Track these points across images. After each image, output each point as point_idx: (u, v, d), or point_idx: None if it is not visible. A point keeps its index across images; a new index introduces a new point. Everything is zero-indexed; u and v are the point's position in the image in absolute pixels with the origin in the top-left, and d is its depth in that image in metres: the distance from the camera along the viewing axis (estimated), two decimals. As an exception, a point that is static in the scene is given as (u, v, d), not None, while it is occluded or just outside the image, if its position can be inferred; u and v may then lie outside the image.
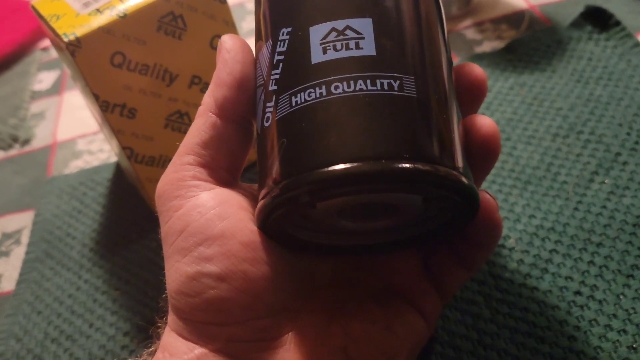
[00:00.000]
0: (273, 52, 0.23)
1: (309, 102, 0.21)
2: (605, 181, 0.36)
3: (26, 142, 0.51)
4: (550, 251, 0.33)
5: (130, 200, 0.43)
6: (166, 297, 0.24)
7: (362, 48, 0.21)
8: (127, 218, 0.42)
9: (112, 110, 0.35)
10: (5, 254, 0.42)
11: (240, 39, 0.25)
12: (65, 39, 0.33)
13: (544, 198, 0.36)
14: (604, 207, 0.35)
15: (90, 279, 0.39)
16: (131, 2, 0.34)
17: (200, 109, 0.25)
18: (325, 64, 0.21)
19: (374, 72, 0.21)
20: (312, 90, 0.21)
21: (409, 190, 0.21)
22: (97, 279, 0.38)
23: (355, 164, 0.20)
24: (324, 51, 0.21)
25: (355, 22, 0.22)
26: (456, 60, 0.47)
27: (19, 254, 0.42)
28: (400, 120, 0.21)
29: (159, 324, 0.26)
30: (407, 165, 0.20)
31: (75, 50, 0.33)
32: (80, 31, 0.33)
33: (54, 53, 0.62)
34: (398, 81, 0.21)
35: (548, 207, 0.35)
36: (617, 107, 0.40)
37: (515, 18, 0.50)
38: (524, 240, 0.34)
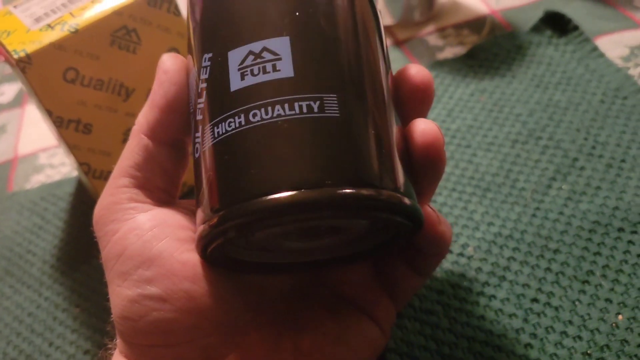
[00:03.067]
0: (198, 79, 0.23)
1: (229, 133, 0.21)
2: (563, 187, 0.36)
3: (-13, 156, 0.51)
4: (508, 259, 0.33)
5: (91, 215, 0.42)
6: (112, 321, 0.24)
7: (279, 70, 0.21)
8: (89, 233, 0.41)
9: (66, 126, 0.35)
10: (-36, 272, 0.42)
11: (181, 59, 0.25)
12: (15, 56, 0.32)
13: (502, 205, 0.36)
14: (561, 213, 0.35)
15: (51, 297, 0.38)
16: (83, 17, 0.34)
17: (134, 129, 0.25)
18: (243, 90, 0.21)
19: (292, 94, 0.20)
20: (231, 119, 0.21)
21: (333, 217, 0.21)
22: (57, 296, 0.38)
23: (275, 196, 0.19)
24: (242, 77, 0.21)
25: (271, 43, 0.21)
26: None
27: (-22, 272, 0.41)
28: (321, 144, 0.20)
29: (109, 346, 0.26)
30: (329, 193, 0.19)
31: (26, 67, 0.33)
32: (30, 47, 0.33)
33: (16, 64, 0.61)
34: (318, 102, 0.20)
35: (506, 214, 0.36)
36: (575, 112, 0.40)
37: (477, 23, 0.50)
38: (482, 248, 0.34)
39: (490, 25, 0.49)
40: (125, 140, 0.37)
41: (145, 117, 0.25)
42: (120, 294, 0.23)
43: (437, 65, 0.47)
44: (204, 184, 0.22)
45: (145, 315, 0.23)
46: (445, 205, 0.37)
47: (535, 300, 0.32)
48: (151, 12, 0.35)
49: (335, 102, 0.21)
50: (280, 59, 0.21)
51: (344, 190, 0.20)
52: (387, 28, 0.52)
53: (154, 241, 0.23)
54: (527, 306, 0.31)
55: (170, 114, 0.25)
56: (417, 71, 0.24)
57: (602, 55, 0.44)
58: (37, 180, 0.47)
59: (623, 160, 0.37)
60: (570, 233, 0.34)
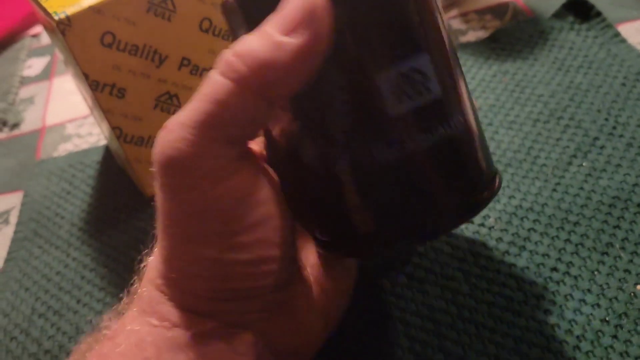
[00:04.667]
0: (333, 97, 0.23)
1: (395, 156, 0.23)
2: (583, 164, 0.37)
3: (15, 126, 0.52)
4: (529, 230, 0.34)
5: (119, 182, 0.44)
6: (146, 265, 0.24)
7: (430, 90, 0.23)
8: (116, 199, 0.42)
9: (101, 90, 0.36)
10: (-6, 233, 0.43)
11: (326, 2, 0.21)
12: (56, 17, 0.33)
13: (523, 180, 0.37)
14: (582, 188, 0.36)
15: (79, 257, 0.39)
16: (122, -18, 0.35)
17: (228, 70, 0.21)
18: (403, 115, 0.23)
19: (446, 113, 0.23)
20: (396, 144, 0.23)
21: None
22: (85, 257, 0.39)
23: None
24: (399, 100, 0.22)
25: (416, 62, 0.23)
26: (441, 49, 0.48)
27: (7, 233, 0.43)
28: (474, 154, 0.25)
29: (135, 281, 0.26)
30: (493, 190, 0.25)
31: (66, 29, 0.34)
32: (70, 10, 0.34)
33: (44, 40, 0.62)
34: (462, 116, 0.24)
35: (527, 189, 0.36)
36: (596, 94, 0.41)
37: (500, 9, 0.51)
38: (503, 220, 0.35)
39: (513, 11, 0.50)
40: (156, 106, 0.38)
41: (249, 63, 0.20)
42: (203, 254, 0.22)
43: (461, 47, 0.47)
44: (362, 201, 0.24)
45: (229, 278, 0.22)
46: (467, 179, 0.38)
47: (554, 269, 0.32)
48: (189, -20, 0.36)
49: (469, 116, 0.24)
50: (428, 78, 0.22)
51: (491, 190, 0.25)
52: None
53: (256, 207, 0.22)
54: (546, 275, 0.32)
55: (301, 72, 0.21)
56: None
57: (624, 41, 0.44)
58: (65, 149, 0.48)
59: (643, 140, 0.37)
60: (590, 207, 0.35)
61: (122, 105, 0.37)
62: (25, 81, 0.57)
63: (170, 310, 0.23)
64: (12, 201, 0.45)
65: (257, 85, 0.21)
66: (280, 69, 0.20)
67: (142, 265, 0.25)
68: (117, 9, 0.35)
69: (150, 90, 0.38)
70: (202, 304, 0.23)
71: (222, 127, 0.21)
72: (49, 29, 0.38)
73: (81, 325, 0.35)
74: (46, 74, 0.57)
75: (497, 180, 0.26)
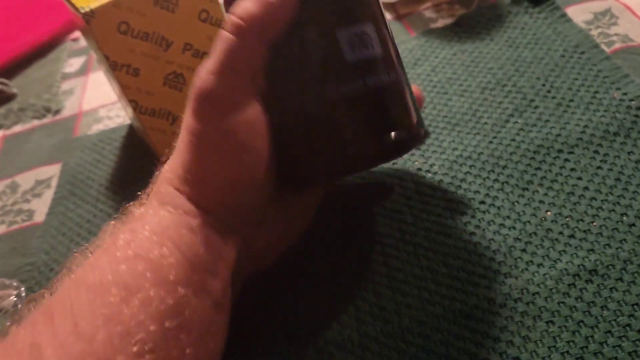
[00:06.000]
0: (304, 48, 0.32)
1: (354, 92, 0.31)
2: (518, 121, 0.44)
3: (57, 112, 0.61)
4: (465, 173, 0.41)
5: (139, 151, 0.52)
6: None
7: (373, 48, 0.32)
8: (135, 163, 0.51)
9: (119, 69, 0.45)
10: (38, 195, 0.52)
11: None
12: (82, 11, 0.42)
13: (467, 135, 0.44)
14: (513, 140, 0.42)
15: (105, 209, 0.48)
16: (135, -18, 0.44)
17: (231, 26, 0.30)
18: (356, 62, 0.31)
19: (385, 66, 0.32)
20: (353, 82, 0.31)
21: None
22: (109, 208, 0.48)
23: (404, 130, 0.33)
24: (353, 50, 0.31)
25: (365, 27, 0.32)
26: (413, 35, 0.56)
27: (49, 195, 0.52)
28: (407, 100, 0.34)
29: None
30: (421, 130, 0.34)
31: (90, 20, 0.42)
32: (94, 4, 0.42)
33: (82, 42, 0.72)
34: (394, 72, 0.33)
35: (469, 142, 0.43)
36: (538, 65, 0.48)
37: (468, -1, 0.58)
38: (445, 166, 0.42)
39: (479, 0, 0.57)
40: (165, 83, 0.47)
41: (248, 14, 0.30)
42: (217, 162, 0.30)
43: (428, 32, 0.55)
44: (333, 126, 0.31)
45: (230, 187, 0.30)
46: (421, 137, 0.45)
47: (482, 202, 0.39)
48: (188, -19, 0.45)
49: (399, 74, 0.33)
50: (372, 40, 0.32)
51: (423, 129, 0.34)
52: (391, 5, 0.60)
53: (259, 135, 0.30)
54: (475, 207, 0.39)
55: (283, 13, 0.30)
56: None
57: (569, 20, 0.51)
58: (97, 128, 0.57)
59: (571, 100, 0.44)
60: (518, 154, 0.41)
61: (137, 81, 0.46)
62: (66, 76, 0.67)
63: (183, 202, 0.30)
64: (53, 170, 0.54)
65: (254, 33, 0.30)
66: (268, 19, 0.30)
67: (156, 173, 0.33)
68: (131, 3, 0.43)
69: (160, 70, 0.46)
70: (208, 203, 0.30)
71: (234, 70, 0.29)
72: (80, 26, 0.47)
73: (105, 258, 0.44)
74: (83, 71, 0.67)
75: (423, 131, 0.34)
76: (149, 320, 0.25)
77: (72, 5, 0.44)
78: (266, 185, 0.32)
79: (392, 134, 0.32)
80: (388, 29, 0.34)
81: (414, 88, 0.37)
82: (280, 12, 0.30)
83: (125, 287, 0.26)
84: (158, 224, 0.29)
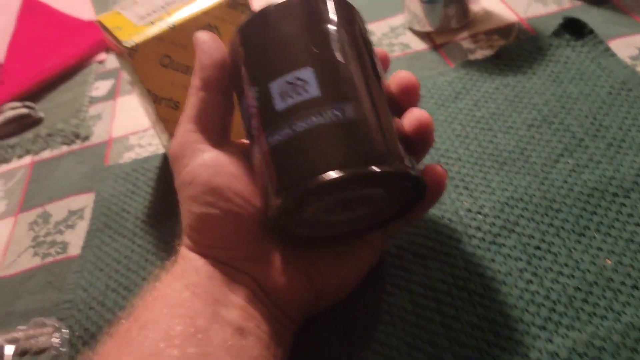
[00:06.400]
0: (249, 105, 0.32)
1: (280, 140, 0.30)
2: (569, 161, 0.43)
3: (86, 138, 0.60)
4: (518, 216, 0.40)
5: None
6: (182, 227, 0.34)
7: (308, 92, 0.30)
8: (173, 196, 0.50)
9: (160, 102, 0.44)
10: (71, 226, 0.51)
11: (211, 34, 0.35)
12: (127, 45, 0.41)
13: (516, 175, 0.43)
14: (565, 181, 0.41)
15: (143, 244, 0.47)
16: (178, 15, 0.43)
17: (191, 87, 0.34)
18: (286, 109, 0.30)
19: (321, 107, 0.30)
20: (281, 130, 0.30)
21: (362, 187, 0.31)
22: (148, 244, 0.47)
23: (322, 176, 0.28)
24: (283, 99, 0.30)
25: (300, 73, 0.30)
26: (452, 66, 0.55)
27: (82, 226, 0.51)
28: (348, 138, 0.29)
29: (177, 244, 0.35)
30: (357, 170, 0.29)
31: (134, 54, 0.42)
32: (137, 38, 0.42)
33: (109, 65, 0.71)
34: (340, 110, 0.30)
35: (519, 182, 0.42)
36: (585, 102, 0.47)
37: (506, 30, 0.57)
38: (496, 208, 0.41)
39: (517, 31, 0.56)
40: (205, 117, 0.46)
41: (196, 77, 0.34)
42: (191, 211, 0.33)
43: (468, 64, 0.54)
44: (266, 179, 0.31)
45: (208, 227, 0.33)
46: (467, 176, 0.44)
47: (538, 247, 0.38)
48: (230, 13, 0.44)
49: (351, 108, 0.30)
50: (308, 84, 0.30)
51: (367, 168, 0.29)
52: (426, 34, 0.60)
53: (215, 176, 0.32)
54: (530, 252, 0.38)
55: (215, 69, 0.34)
56: (406, 76, 0.34)
57: (613, 55, 0.50)
58: (129, 156, 0.56)
59: (623, 140, 0.43)
60: (572, 197, 0.40)
61: (177, 114, 0.44)
62: (93, 100, 0.66)
63: (189, 253, 0.33)
64: (85, 200, 0.53)
65: (202, 86, 0.34)
66: (205, 75, 0.34)
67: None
68: (174, 37, 0.43)
69: (201, 103, 0.45)
70: (205, 251, 0.33)
71: (194, 121, 0.34)
72: (118, 53, 0.46)
73: (145, 297, 0.43)
74: (111, 95, 0.66)
75: (398, 167, 0.30)
76: (172, 348, 0.29)
77: (114, 37, 0.43)
78: (251, 225, 0.33)
79: (324, 176, 0.28)
80: (354, 65, 0.32)
81: (379, 50, 0.36)
82: (209, 58, 0.34)
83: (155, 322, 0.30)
84: (172, 274, 0.33)
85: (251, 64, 0.33)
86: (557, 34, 0.54)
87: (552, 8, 0.58)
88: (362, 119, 0.30)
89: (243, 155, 0.34)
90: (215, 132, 0.34)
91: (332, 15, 0.33)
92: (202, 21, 0.43)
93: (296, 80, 0.30)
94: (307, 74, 0.30)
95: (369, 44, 0.34)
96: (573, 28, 0.54)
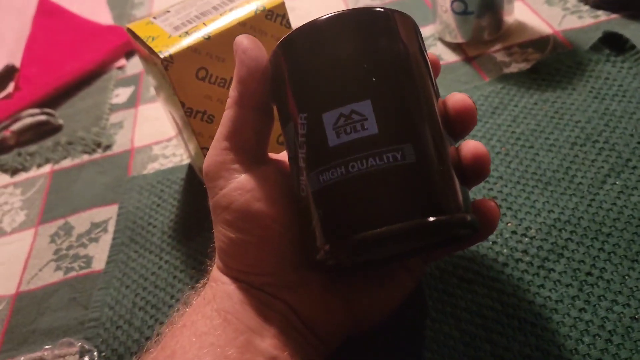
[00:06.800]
0: (297, 133, 0.29)
1: (332, 180, 0.27)
2: (616, 182, 0.41)
3: (108, 147, 0.59)
4: (566, 239, 0.39)
5: (202, 196, 0.49)
6: (214, 248, 0.33)
7: (366, 129, 0.27)
8: (201, 211, 0.48)
9: (194, 116, 0.42)
10: (95, 239, 0.50)
11: (254, 40, 0.31)
12: (161, 56, 0.40)
13: (561, 196, 0.41)
14: (614, 204, 0.40)
15: (170, 260, 0.45)
16: (214, 26, 0.41)
17: (228, 102, 0.32)
18: (340, 146, 0.27)
19: (380, 148, 0.27)
20: (334, 170, 0.27)
21: (419, 240, 0.29)
22: (175, 260, 0.45)
23: (379, 230, 0.26)
24: (337, 135, 0.27)
25: (358, 106, 0.28)
26: (487, 80, 0.53)
27: (106, 240, 0.49)
28: (406, 186, 0.27)
29: (208, 265, 0.34)
30: (416, 224, 0.27)
31: (169, 65, 0.40)
32: (173, 49, 0.40)
33: (129, 71, 0.70)
34: (400, 152, 0.27)
35: (565, 204, 0.41)
36: (630, 120, 0.45)
37: (541, 42, 0.56)
38: (543, 231, 0.40)
39: (553, 44, 0.55)
40: (238, 130, 0.45)
41: (235, 90, 0.32)
42: (226, 235, 0.31)
43: (504, 78, 0.52)
44: (314, 218, 0.28)
45: (244, 253, 0.31)
46: (510, 196, 0.42)
47: (589, 273, 0.37)
48: (268, 24, 0.42)
49: (412, 150, 0.27)
50: (366, 119, 0.27)
51: (426, 220, 0.27)
52: (458, 45, 0.58)
53: (253, 201, 0.30)
54: (582, 278, 0.37)
55: (254, 84, 0.31)
56: (466, 101, 0.31)
57: (656, 71, 0.49)
58: (152, 167, 0.55)
59: (672, 162, 0.42)
60: (622, 220, 0.39)
61: (211, 129, 0.43)
62: (113, 108, 0.64)
63: (221, 276, 0.32)
64: (108, 212, 0.52)
65: (239, 100, 0.31)
66: (243, 89, 0.31)
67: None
68: (211, 48, 0.41)
69: (234, 116, 0.44)
70: (243, 276, 0.32)
71: (229, 138, 0.31)
72: (149, 62, 0.44)
73: (176, 317, 0.41)
74: (132, 102, 0.64)
75: (457, 219, 0.28)
76: None
77: (147, 47, 0.42)
78: (288, 251, 0.31)
79: (381, 229, 0.26)
80: (415, 98, 0.29)
81: (430, 56, 0.32)
82: (248, 71, 0.31)
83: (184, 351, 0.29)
84: (203, 297, 0.32)
85: (299, 87, 0.30)
86: (595, 48, 0.53)
87: (588, 21, 0.57)
88: (422, 164, 0.27)
89: (280, 173, 0.32)
90: (252, 150, 0.32)
91: (393, 35, 0.30)
92: (239, 32, 0.41)
93: (353, 114, 0.27)
94: (365, 108, 0.27)
95: (428, 64, 0.31)
96: (612, 42, 0.52)
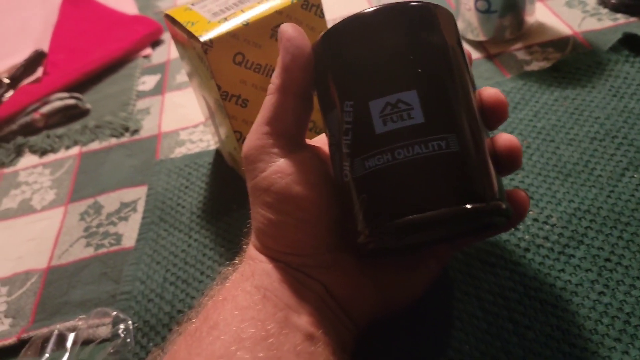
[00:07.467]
0: (342, 120, 0.30)
1: (378, 166, 0.29)
2: (635, 175, 0.43)
3: (135, 131, 0.61)
4: (586, 227, 0.40)
5: (230, 179, 0.51)
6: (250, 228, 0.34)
7: (413, 118, 0.28)
8: (228, 193, 0.50)
9: (229, 99, 0.44)
10: (125, 218, 0.51)
11: (298, 28, 0.33)
12: (202, 40, 0.41)
13: (581, 187, 0.43)
14: (633, 195, 0.42)
15: (199, 239, 0.47)
16: (252, 13, 0.43)
17: (270, 87, 0.33)
18: (387, 134, 0.29)
19: (426, 137, 0.28)
20: (380, 156, 0.29)
21: (459, 226, 0.30)
22: (204, 239, 0.47)
23: (421, 214, 0.28)
24: (384, 123, 0.29)
25: (404, 96, 0.29)
26: (508, 77, 0.55)
27: (136, 219, 0.51)
28: (450, 173, 0.28)
29: (244, 243, 0.35)
30: (455, 210, 0.28)
31: (208, 49, 0.42)
32: (212, 34, 0.42)
33: (155, 60, 0.71)
34: (444, 141, 0.28)
35: (585, 194, 0.42)
36: (648, 118, 0.47)
37: (561, 43, 0.57)
38: (564, 219, 0.41)
39: (573, 45, 0.57)
40: (270, 115, 0.46)
41: (278, 77, 0.32)
42: (265, 216, 0.32)
43: (525, 75, 0.54)
44: (356, 203, 0.30)
45: (282, 235, 0.32)
46: (532, 186, 0.44)
47: (608, 260, 0.38)
48: (303, 13, 0.44)
49: (455, 139, 0.29)
50: (412, 109, 0.29)
51: (465, 207, 0.28)
52: (480, 43, 0.60)
53: (293, 184, 0.31)
54: (601, 264, 0.38)
55: (297, 71, 0.32)
56: (493, 93, 0.33)
57: (673, 73, 0.50)
58: (180, 151, 0.57)
59: (689, 157, 0.43)
60: (640, 211, 0.40)
61: (244, 113, 0.45)
62: (140, 95, 0.66)
63: (259, 255, 0.33)
64: (137, 193, 0.53)
65: (281, 87, 0.32)
66: (287, 76, 0.32)
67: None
68: (248, 35, 0.43)
69: (267, 102, 0.45)
70: (281, 256, 0.33)
71: (270, 123, 0.32)
72: (187, 46, 0.46)
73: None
74: (158, 90, 0.66)
75: (493, 206, 0.29)
76: (243, 351, 0.28)
77: (187, 31, 0.43)
78: (325, 233, 0.32)
79: (422, 214, 0.28)
80: (457, 90, 0.30)
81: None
82: (292, 60, 0.32)
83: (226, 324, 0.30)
84: (241, 273, 0.33)
85: (346, 76, 0.31)
86: (614, 49, 0.54)
87: (607, 23, 0.59)
88: (464, 153, 0.29)
89: (317, 159, 0.33)
90: (291, 135, 0.33)
91: (436, 28, 0.31)
92: (276, 20, 0.43)
93: (399, 104, 0.29)
94: (412, 97, 0.29)
95: (465, 57, 0.33)
96: (632, 44, 0.54)
